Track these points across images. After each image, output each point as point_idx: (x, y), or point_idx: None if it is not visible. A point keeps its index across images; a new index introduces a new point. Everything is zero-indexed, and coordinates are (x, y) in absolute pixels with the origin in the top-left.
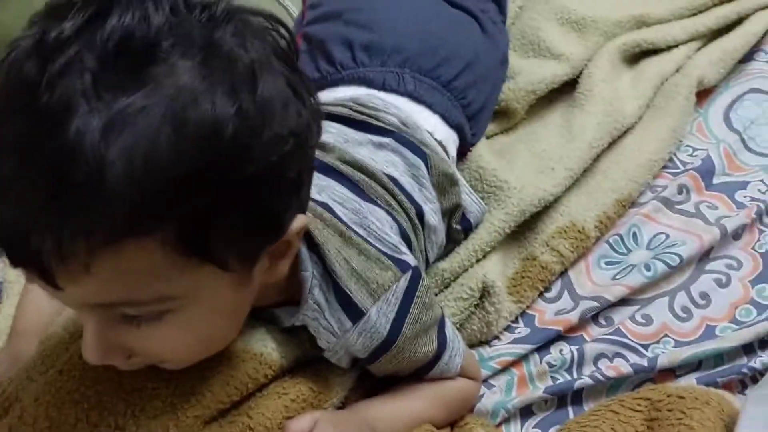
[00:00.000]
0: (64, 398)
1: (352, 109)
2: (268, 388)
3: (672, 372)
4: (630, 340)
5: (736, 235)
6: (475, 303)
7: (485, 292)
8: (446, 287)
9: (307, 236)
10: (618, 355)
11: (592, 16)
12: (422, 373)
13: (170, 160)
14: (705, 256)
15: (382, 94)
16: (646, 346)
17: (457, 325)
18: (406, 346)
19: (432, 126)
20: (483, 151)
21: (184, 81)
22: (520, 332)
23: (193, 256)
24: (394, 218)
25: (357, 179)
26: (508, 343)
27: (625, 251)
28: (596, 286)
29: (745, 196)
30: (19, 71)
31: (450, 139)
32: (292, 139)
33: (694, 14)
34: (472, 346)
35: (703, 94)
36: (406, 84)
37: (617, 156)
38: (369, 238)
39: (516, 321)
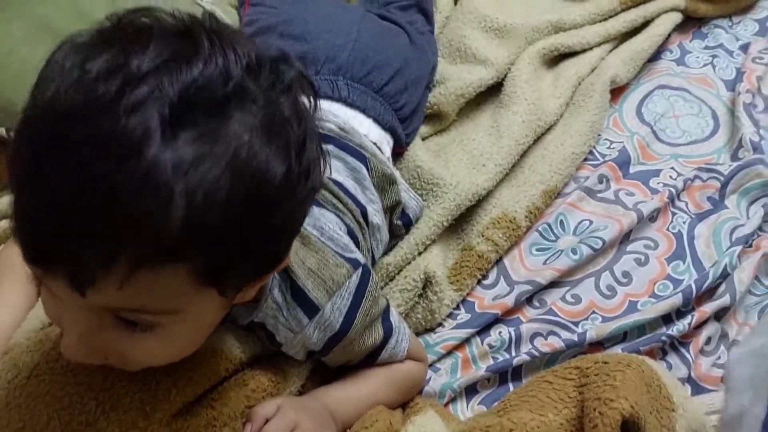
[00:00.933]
0: (36, 400)
1: None
2: (229, 381)
3: (600, 345)
4: (561, 318)
5: (652, 218)
6: (419, 293)
7: (428, 283)
8: (391, 280)
9: None
10: (551, 333)
11: (512, 23)
12: (372, 359)
13: (223, 201)
14: (626, 238)
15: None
16: (576, 323)
17: (403, 315)
18: (357, 336)
19: (366, 129)
20: (419, 151)
21: (248, 137)
22: (461, 318)
23: (210, 284)
24: (341, 220)
25: None
26: (451, 328)
27: (554, 238)
28: (529, 271)
29: (658, 183)
30: (94, 84)
31: (384, 140)
32: (313, 193)
33: (605, 19)
34: (418, 333)
35: (618, 91)
36: (340, 90)
37: (542, 151)
38: (322, 239)
39: (458, 308)
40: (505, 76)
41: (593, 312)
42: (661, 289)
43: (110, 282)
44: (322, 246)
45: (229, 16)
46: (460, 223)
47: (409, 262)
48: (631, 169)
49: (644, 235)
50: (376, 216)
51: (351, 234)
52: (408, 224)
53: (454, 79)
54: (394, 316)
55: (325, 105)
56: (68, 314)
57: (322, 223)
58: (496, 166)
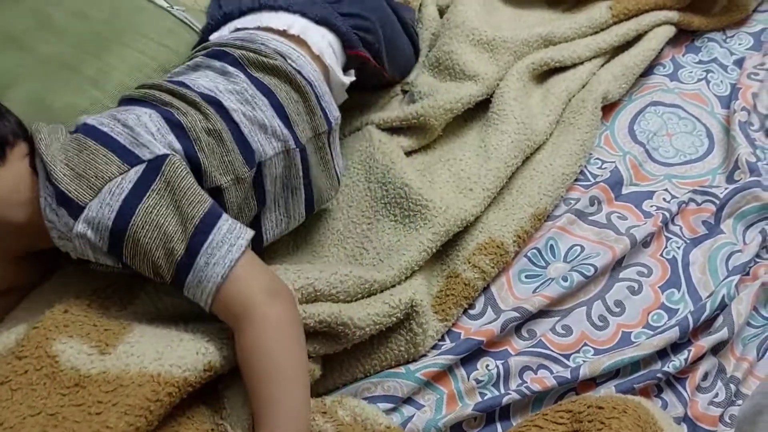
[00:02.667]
0: None
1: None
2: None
3: (593, 381)
4: (552, 351)
5: (645, 243)
6: (400, 317)
7: (412, 311)
8: (370, 295)
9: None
10: (542, 366)
11: (501, 37)
12: (176, 284)
13: None
14: (618, 264)
15: (239, 21)
16: (567, 356)
17: (375, 328)
18: (142, 237)
19: (288, 23)
20: (407, 168)
21: None
22: (446, 347)
23: None
24: (158, 110)
25: (140, 95)
26: (434, 356)
27: (544, 264)
28: (517, 300)
29: (651, 206)
30: None
31: (311, 32)
32: None
33: (596, 32)
34: (398, 364)
35: (609, 108)
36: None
37: (531, 172)
38: (111, 134)
39: (442, 339)
40: (494, 92)
41: (585, 344)
42: (655, 320)
43: None
44: (96, 148)
45: (201, 21)
46: (444, 247)
47: (395, 285)
48: (624, 191)
49: (637, 261)
50: (234, 105)
51: (168, 121)
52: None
53: (443, 92)
54: (221, 232)
55: (248, 20)
56: None
57: (126, 118)
58: (484, 191)
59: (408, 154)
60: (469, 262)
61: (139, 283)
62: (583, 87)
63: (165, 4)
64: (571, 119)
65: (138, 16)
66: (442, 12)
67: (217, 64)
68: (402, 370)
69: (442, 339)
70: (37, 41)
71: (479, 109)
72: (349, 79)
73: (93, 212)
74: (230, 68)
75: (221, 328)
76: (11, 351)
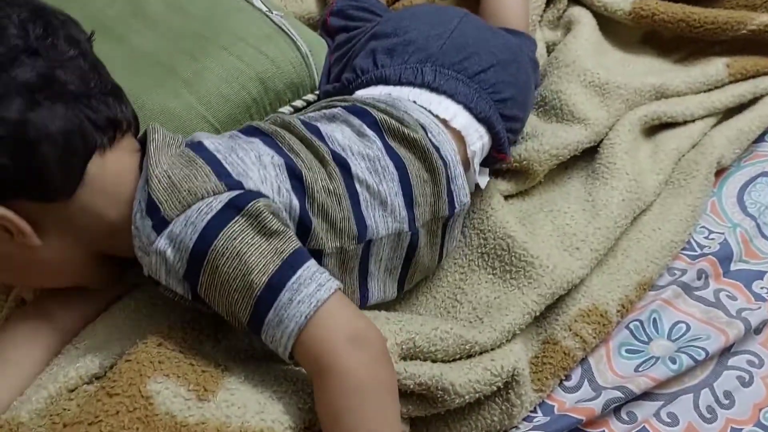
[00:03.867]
0: None
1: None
2: None
3: None
4: None
5: (757, 329)
6: (500, 386)
7: (512, 380)
8: (470, 357)
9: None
10: None
11: (615, 82)
12: (254, 323)
13: None
14: (726, 350)
15: (393, 89)
16: None
17: (474, 396)
18: (221, 264)
19: (451, 114)
20: (508, 217)
21: None
22: (538, 420)
23: None
24: (283, 155)
25: (270, 130)
26: (527, 430)
27: (646, 339)
28: (618, 377)
29: (762, 287)
30: None
31: (474, 130)
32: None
33: (710, 89)
34: None
35: (716, 174)
36: (424, 75)
37: (637, 234)
38: (223, 162)
39: (534, 410)
40: (601, 141)
41: None
42: (767, 418)
43: None
44: (201, 165)
45: (296, 28)
46: None
47: (496, 348)
48: (732, 267)
49: (747, 349)
50: (363, 173)
51: (289, 168)
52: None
53: (549, 135)
54: (309, 271)
55: (403, 92)
56: None
57: (237, 150)
58: (592, 251)
59: (505, 198)
60: (570, 329)
61: None
62: (693, 147)
63: (263, 8)
64: (682, 181)
65: (236, 16)
66: (549, 49)
67: (356, 122)
68: None
69: (534, 410)
70: (130, 31)
71: (582, 157)
72: (484, 180)
73: (177, 229)
74: (368, 131)
75: None
76: (101, 386)
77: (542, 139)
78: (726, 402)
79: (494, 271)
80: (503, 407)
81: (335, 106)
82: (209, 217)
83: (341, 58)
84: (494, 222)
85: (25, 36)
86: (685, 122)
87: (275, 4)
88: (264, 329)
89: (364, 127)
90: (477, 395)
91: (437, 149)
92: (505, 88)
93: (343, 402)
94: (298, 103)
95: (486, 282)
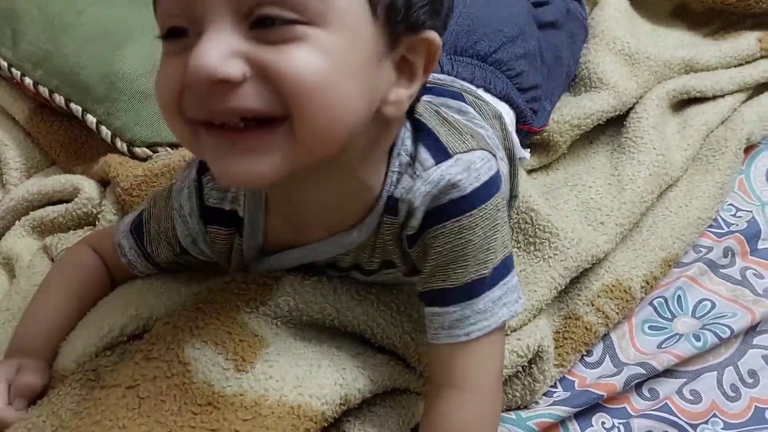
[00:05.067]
0: None
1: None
2: None
3: None
4: (679, 418)
5: None
6: (525, 364)
7: (537, 357)
8: None
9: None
10: None
11: (645, 52)
12: (453, 297)
13: None
14: (751, 329)
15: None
16: (695, 426)
17: (507, 375)
18: (478, 227)
19: None
20: (533, 190)
21: None
22: (558, 395)
23: None
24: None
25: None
26: (547, 405)
27: (670, 316)
28: (640, 354)
29: None
30: None
31: (497, 106)
32: None
33: (740, 64)
34: (509, 409)
35: (744, 150)
36: (442, 65)
37: (664, 211)
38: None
39: (554, 385)
40: (627, 113)
41: (714, 415)
42: None
43: None
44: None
45: None
46: None
47: (524, 325)
48: (760, 245)
49: None
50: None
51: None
52: None
53: (571, 106)
54: (515, 276)
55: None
56: (205, 37)
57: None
58: (617, 226)
59: (528, 173)
60: (593, 305)
61: (275, 279)
62: (722, 123)
63: None
64: (710, 158)
65: None
66: None
67: (453, 103)
68: (512, 415)
69: (554, 386)
70: None
71: (607, 130)
72: (526, 154)
73: (459, 168)
74: (468, 109)
75: (356, 353)
76: (139, 348)
77: (563, 110)
78: (750, 381)
79: (518, 245)
80: (526, 382)
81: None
82: (490, 174)
83: None
84: (519, 196)
85: None
86: (715, 97)
87: None
88: (463, 306)
89: (463, 105)
90: (504, 376)
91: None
92: (517, 63)
93: (477, 427)
94: None
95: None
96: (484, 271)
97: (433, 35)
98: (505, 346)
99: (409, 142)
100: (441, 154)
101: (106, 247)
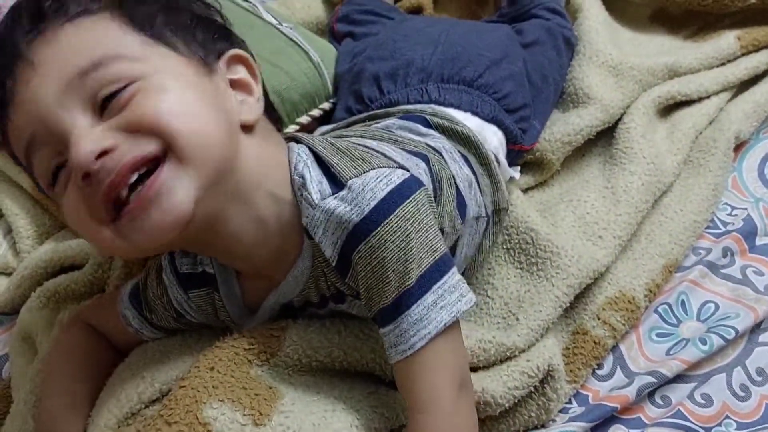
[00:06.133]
0: None
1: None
2: None
3: None
4: (693, 423)
5: None
6: (537, 384)
7: (548, 376)
8: (507, 359)
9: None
10: None
11: (628, 63)
12: (390, 312)
13: None
14: (756, 326)
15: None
16: (708, 429)
17: (514, 401)
18: (388, 242)
19: (461, 120)
20: (530, 211)
21: None
22: (574, 411)
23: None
24: (396, 143)
25: (351, 133)
26: (563, 422)
27: (675, 322)
28: (650, 362)
29: None
30: None
31: (484, 129)
32: None
33: (723, 64)
34: (526, 430)
35: (734, 148)
36: (429, 94)
37: (659, 217)
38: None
39: (569, 401)
40: (616, 124)
41: (727, 416)
42: None
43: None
44: (358, 145)
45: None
46: None
47: (531, 346)
48: (758, 242)
49: None
50: (451, 161)
51: (414, 154)
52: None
53: (561, 123)
54: (452, 280)
55: (416, 108)
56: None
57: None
58: (615, 239)
59: (524, 191)
60: (599, 318)
61: (282, 329)
62: (710, 124)
63: (273, 21)
64: (701, 160)
65: (248, 33)
66: None
67: (413, 125)
68: None
69: (569, 402)
70: None
71: (598, 142)
72: (516, 173)
73: (353, 194)
74: (429, 130)
75: (369, 393)
76: (159, 414)
77: (553, 128)
78: (759, 379)
79: (521, 265)
80: (540, 402)
81: (382, 120)
82: (389, 189)
83: (344, 78)
84: (516, 217)
85: None
86: (700, 99)
87: (284, 15)
88: (398, 321)
89: (422, 128)
90: (516, 399)
91: (482, 144)
92: (503, 85)
93: None
94: (315, 112)
95: (514, 276)
96: (408, 283)
97: (235, 51)
98: (461, 350)
99: (305, 171)
100: (335, 183)
101: (106, 317)
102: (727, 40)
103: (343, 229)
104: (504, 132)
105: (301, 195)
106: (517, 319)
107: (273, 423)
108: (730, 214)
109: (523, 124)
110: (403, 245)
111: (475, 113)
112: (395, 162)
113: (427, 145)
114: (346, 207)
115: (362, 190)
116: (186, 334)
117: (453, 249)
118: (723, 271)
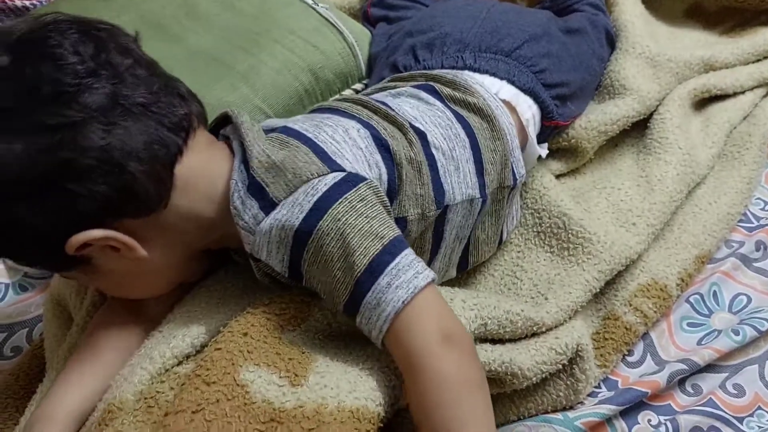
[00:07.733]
0: None
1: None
2: None
3: None
4: (725, 412)
5: None
6: (565, 363)
7: (576, 356)
8: (534, 335)
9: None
10: (713, 428)
11: (665, 54)
12: (351, 304)
13: None
14: None
15: (438, 71)
16: (741, 419)
17: (541, 376)
18: (326, 244)
19: (497, 88)
20: (562, 195)
21: None
22: (603, 395)
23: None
24: (367, 126)
25: (344, 107)
26: (593, 405)
27: (707, 312)
28: (681, 351)
29: None
30: None
31: (521, 101)
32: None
33: (758, 60)
34: (554, 410)
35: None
36: (465, 60)
37: (693, 208)
38: (315, 141)
39: (598, 386)
40: (650, 115)
41: (759, 408)
42: None
43: None
44: (298, 146)
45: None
46: None
47: (560, 325)
48: None
49: None
50: (439, 140)
51: (376, 138)
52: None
53: (597, 112)
54: (406, 258)
55: (450, 73)
56: None
57: (326, 126)
58: (648, 226)
59: (557, 177)
60: (630, 305)
61: (311, 296)
62: (745, 118)
63: (309, 0)
64: (735, 154)
65: (285, 10)
66: None
67: (423, 94)
68: (559, 416)
69: (598, 386)
70: (185, 31)
71: (631, 133)
72: (544, 151)
73: (284, 211)
74: (435, 101)
75: None
76: (196, 374)
77: (590, 116)
78: None
79: (552, 249)
80: (568, 382)
81: (397, 87)
82: (315, 198)
83: (380, 55)
84: (548, 201)
85: (82, 60)
86: (735, 94)
87: None
88: (361, 311)
89: (431, 98)
90: (544, 375)
91: (498, 118)
92: (541, 60)
93: (435, 399)
94: (347, 92)
95: (544, 260)
96: (356, 273)
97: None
98: (436, 310)
99: (237, 202)
100: (268, 205)
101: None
102: (764, 36)
103: (285, 245)
104: (539, 105)
105: (239, 225)
106: (546, 299)
107: (310, 383)
108: (763, 209)
109: (560, 101)
110: (340, 243)
111: (511, 81)
112: (337, 164)
113: (411, 125)
114: (280, 231)
115: (291, 206)
116: (212, 297)
117: (439, 232)
118: (756, 264)
